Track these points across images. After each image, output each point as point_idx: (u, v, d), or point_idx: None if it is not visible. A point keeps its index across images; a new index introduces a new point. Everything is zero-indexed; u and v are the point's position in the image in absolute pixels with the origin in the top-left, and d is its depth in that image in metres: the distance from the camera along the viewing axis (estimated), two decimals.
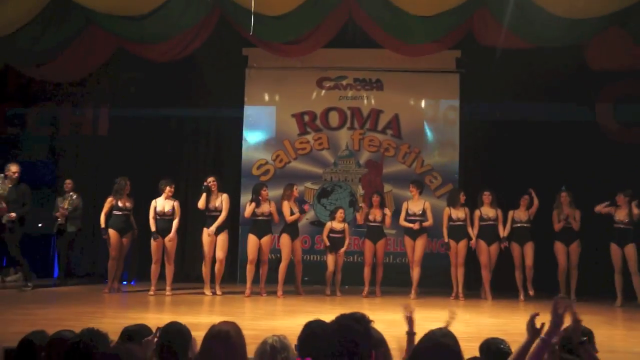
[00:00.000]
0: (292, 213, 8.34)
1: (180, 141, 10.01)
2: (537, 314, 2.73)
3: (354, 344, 2.15)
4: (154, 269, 8.10)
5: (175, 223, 8.10)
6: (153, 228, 8.06)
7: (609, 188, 8.49)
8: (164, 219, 8.09)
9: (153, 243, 8.04)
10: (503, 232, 8.35)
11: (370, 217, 8.51)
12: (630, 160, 9.11)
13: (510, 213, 8.41)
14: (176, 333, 2.86)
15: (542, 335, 2.55)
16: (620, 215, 8.08)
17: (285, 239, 8.34)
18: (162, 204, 8.13)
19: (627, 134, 9.29)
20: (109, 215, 8.28)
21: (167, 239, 8.05)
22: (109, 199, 8.27)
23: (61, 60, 8.01)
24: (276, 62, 9.52)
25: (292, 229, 8.38)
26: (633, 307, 7.76)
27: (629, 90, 9.15)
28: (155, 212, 8.09)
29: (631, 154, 9.14)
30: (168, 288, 8.09)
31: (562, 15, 6.84)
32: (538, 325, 2.71)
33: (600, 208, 8.17)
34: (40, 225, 10.33)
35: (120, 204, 8.22)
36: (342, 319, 2.20)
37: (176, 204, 8.18)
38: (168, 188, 8.12)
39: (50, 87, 9.60)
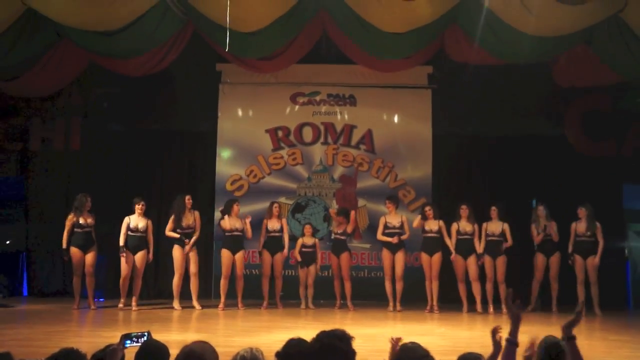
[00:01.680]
0: (267, 230, 8.57)
1: (154, 156, 9.93)
2: (499, 328, 2.90)
3: None
4: (123, 283, 8.18)
5: (150, 241, 8.31)
6: (122, 243, 8.16)
7: (577, 200, 8.67)
8: (136, 236, 8.20)
9: (123, 258, 8.12)
10: (479, 248, 8.38)
11: (334, 230, 8.64)
12: (597, 172, 9.34)
13: (484, 226, 8.47)
14: (154, 350, 2.80)
15: (507, 336, 2.74)
16: (581, 228, 8.27)
17: (265, 254, 8.52)
18: (136, 220, 8.23)
19: (594, 147, 9.51)
20: (71, 232, 8.19)
21: (138, 255, 8.18)
22: (70, 217, 8.22)
23: (31, 75, 7.91)
24: (250, 77, 9.55)
25: (272, 244, 8.52)
26: (616, 318, 7.95)
27: (595, 105, 9.40)
28: (128, 229, 8.17)
29: (598, 166, 9.38)
30: (134, 302, 8.15)
31: (530, 33, 6.99)
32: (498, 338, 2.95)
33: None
34: (8, 242, 10.14)
35: (81, 220, 8.16)
36: (324, 337, 2.19)
37: (149, 223, 8.34)
38: (137, 206, 8.26)
39: (20, 101, 9.45)
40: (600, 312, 8.05)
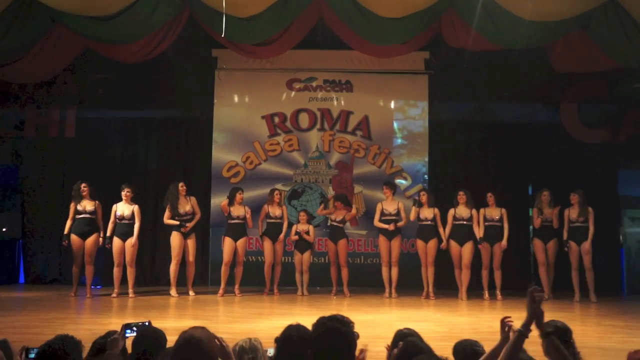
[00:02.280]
0: (268, 216, 8.63)
1: (149, 143, 9.91)
2: (508, 319, 2.83)
3: (344, 344, 2.16)
4: (117, 272, 8.17)
5: (136, 227, 8.14)
6: (108, 232, 8.14)
7: (572, 186, 8.69)
8: (124, 223, 8.15)
9: (114, 246, 8.11)
10: (479, 233, 8.35)
11: (332, 217, 8.63)
12: (593, 159, 9.37)
13: (482, 211, 8.45)
14: (152, 335, 2.81)
15: (520, 327, 2.62)
16: (574, 214, 8.30)
17: (266, 241, 8.58)
18: (122, 208, 8.21)
19: (590, 134, 9.53)
20: (73, 219, 8.17)
21: (127, 243, 8.12)
22: (71, 205, 8.21)
23: (26, 60, 7.83)
24: (246, 63, 9.51)
25: (273, 231, 8.58)
26: (611, 303, 8.00)
27: (591, 91, 9.40)
28: (115, 217, 8.15)
29: (594, 153, 9.40)
30: (130, 290, 8.11)
31: (527, 18, 6.96)
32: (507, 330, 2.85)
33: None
34: (4, 229, 10.14)
35: (79, 207, 8.13)
36: (326, 321, 2.20)
37: (136, 208, 8.23)
38: (123, 192, 8.21)
39: (14, 88, 9.40)
40: (595, 298, 8.07)
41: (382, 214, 8.53)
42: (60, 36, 7.74)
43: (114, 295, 8.03)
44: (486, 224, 8.38)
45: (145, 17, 7.32)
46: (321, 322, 2.22)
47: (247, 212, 8.48)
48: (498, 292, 8.32)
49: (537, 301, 2.61)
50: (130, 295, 8.05)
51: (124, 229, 8.12)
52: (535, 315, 2.61)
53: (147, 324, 2.96)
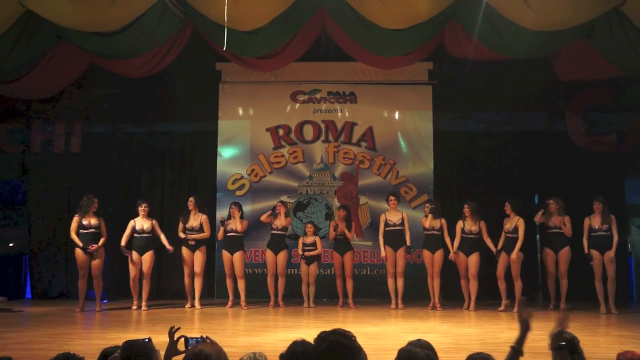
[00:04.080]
0: (271, 227, 8.72)
1: (155, 157, 9.94)
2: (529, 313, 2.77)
3: (348, 357, 2.14)
4: (133, 285, 8.31)
5: (163, 238, 8.38)
6: (123, 243, 8.24)
7: (579, 195, 8.65)
8: (142, 237, 8.31)
9: (131, 260, 8.24)
10: (492, 244, 8.24)
11: (338, 230, 8.61)
12: (599, 167, 9.32)
13: (504, 221, 8.31)
14: (141, 350, 2.79)
15: (513, 344, 2.60)
16: (596, 222, 8.16)
17: (268, 253, 8.63)
18: (140, 222, 8.37)
19: (595, 142, 9.50)
20: (77, 233, 8.18)
21: (145, 256, 8.29)
22: (75, 217, 8.22)
23: (32, 76, 7.89)
24: (250, 76, 9.54)
25: (275, 243, 8.62)
26: (620, 312, 7.87)
27: (596, 99, 9.38)
28: (134, 231, 8.31)
29: (600, 161, 9.36)
30: (144, 303, 8.27)
31: (529, 28, 6.96)
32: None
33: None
34: (11, 245, 10.17)
35: (84, 222, 8.15)
36: (328, 335, 2.18)
37: (154, 222, 8.44)
38: (140, 208, 8.38)
39: (20, 104, 9.46)
40: (615, 309, 7.88)
41: (386, 224, 8.51)
42: (65, 52, 7.80)
43: (134, 307, 8.23)
44: (505, 235, 8.26)
45: (149, 32, 7.37)
46: (323, 336, 2.20)
47: (244, 225, 8.66)
48: (503, 303, 8.19)
49: (524, 316, 2.60)
50: (144, 308, 8.21)
51: (142, 242, 8.29)
52: (525, 329, 2.60)
53: (147, 340, 2.94)
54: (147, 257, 8.30)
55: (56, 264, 9.46)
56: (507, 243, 8.24)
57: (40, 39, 7.44)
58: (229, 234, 8.57)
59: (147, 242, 8.31)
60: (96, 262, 8.12)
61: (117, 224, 8.53)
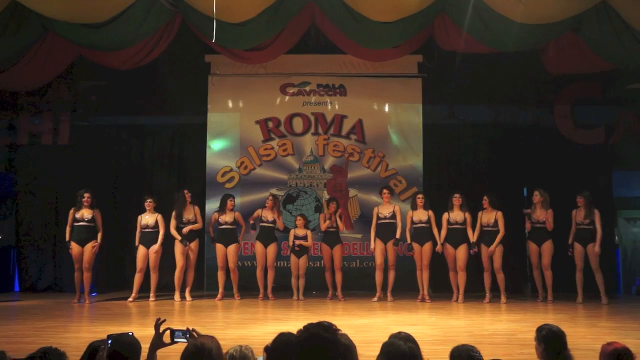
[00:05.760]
0: (260, 220, 8.73)
1: (143, 150, 9.89)
2: None
3: (326, 350, 2.16)
4: (138, 277, 8.38)
5: (160, 235, 8.38)
6: (137, 242, 8.43)
7: (567, 188, 8.71)
8: (147, 232, 8.42)
9: (138, 253, 8.32)
10: (472, 237, 8.33)
11: (332, 221, 8.62)
12: (587, 160, 9.38)
13: (479, 215, 8.41)
14: (126, 344, 2.79)
15: None
16: (580, 216, 8.30)
17: (258, 245, 8.64)
18: (147, 217, 8.49)
19: (583, 135, 9.55)
20: (72, 226, 8.27)
21: (151, 250, 8.35)
22: (71, 211, 8.32)
23: (19, 68, 7.83)
24: (239, 68, 9.51)
25: (264, 236, 8.62)
26: (594, 303, 8.00)
27: (585, 92, 9.43)
28: (141, 226, 8.44)
29: (588, 154, 9.41)
30: (152, 295, 8.39)
31: (518, 21, 6.98)
32: None
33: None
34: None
35: (77, 215, 8.26)
36: (310, 327, 2.20)
37: (159, 217, 8.46)
38: (146, 203, 8.50)
39: (7, 96, 9.38)
40: (607, 299, 8.05)
41: (379, 217, 8.53)
42: (53, 44, 7.74)
43: (131, 299, 8.25)
44: (483, 228, 8.35)
45: (137, 24, 7.31)
46: (305, 328, 2.22)
47: (238, 216, 8.70)
48: (502, 296, 8.25)
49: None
50: (152, 298, 8.31)
51: (148, 237, 8.39)
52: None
53: (130, 334, 2.95)
54: (152, 251, 8.36)
55: (44, 257, 9.43)
56: (485, 236, 8.32)
57: (27, 31, 7.37)
58: (221, 227, 8.60)
59: (152, 236, 8.39)
60: (86, 256, 8.18)
61: (104, 216, 8.47)
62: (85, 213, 8.25)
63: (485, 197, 8.39)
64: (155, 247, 8.32)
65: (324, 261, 8.77)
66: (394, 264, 8.48)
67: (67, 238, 8.24)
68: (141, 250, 8.37)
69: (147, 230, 8.41)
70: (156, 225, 8.42)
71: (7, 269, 9.78)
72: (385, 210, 8.56)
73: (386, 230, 8.47)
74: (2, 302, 8.24)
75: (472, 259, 8.48)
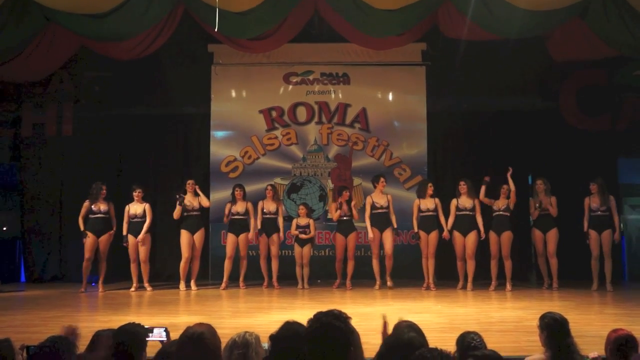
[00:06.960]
0: (263, 212, 8.69)
1: (147, 140, 9.88)
2: None
3: (338, 340, 2.15)
4: (133, 267, 8.47)
5: (146, 224, 8.42)
6: (124, 232, 8.46)
7: (573, 175, 8.67)
8: (136, 222, 8.45)
9: (129, 244, 8.43)
10: (480, 224, 8.26)
11: (344, 209, 8.58)
12: (593, 147, 9.33)
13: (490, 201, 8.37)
14: (131, 334, 2.80)
15: None
16: (595, 202, 8.22)
17: (261, 235, 8.65)
18: (135, 207, 8.52)
19: (589, 122, 9.49)
20: (85, 218, 8.38)
21: (138, 238, 8.39)
22: (85, 203, 8.42)
23: (21, 59, 7.80)
24: (242, 58, 9.47)
25: (267, 226, 8.61)
26: (600, 290, 7.99)
27: (590, 79, 9.36)
28: (129, 216, 8.46)
29: (594, 141, 9.36)
30: (146, 285, 8.45)
31: (523, 7, 6.92)
32: None
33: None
34: (4, 229, 10.14)
35: (94, 207, 8.39)
36: (321, 316, 2.19)
37: (147, 206, 8.52)
38: (134, 193, 8.53)
39: (11, 87, 9.37)
40: (612, 287, 8.02)
41: (373, 206, 8.51)
42: (55, 34, 7.70)
43: (133, 289, 8.34)
44: (494, 214, 8.33)
45: (139, 14, 7.27)
46: (316, 317, 2.21)
47: (249, 206, 8.68)
48: (508, 283, 8.23)
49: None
50: (148, 289, 8.35)
51: (137, 227, 8.42)
52: None
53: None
54: (140, 240, 8.38)
55: (50, 248, 9.45)
56: (496, 221, 8.31)
57: (29, 21, 7.33)
58: (234, 217, 8.60)
59: (141, 226, 8.42)
60: (103, 247, 8.37)
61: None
62: (102, 206, 8.40)
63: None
64: (140, 236, 8.34)
65: (336, 250, 8.67)
66: (391, 252, 8.43)
67: (82, 228, 8.32)
68: (131, 240, 8.41)
69: (135, 220, 8.44)
70: (144, 215, 8.45)
71: (13, 260, 9.83)
72: (380, 199, 8.53)
73: (382, 220, 8.45)
74: (8, 293, 8.31)
75: (480, 246, 8.45)
